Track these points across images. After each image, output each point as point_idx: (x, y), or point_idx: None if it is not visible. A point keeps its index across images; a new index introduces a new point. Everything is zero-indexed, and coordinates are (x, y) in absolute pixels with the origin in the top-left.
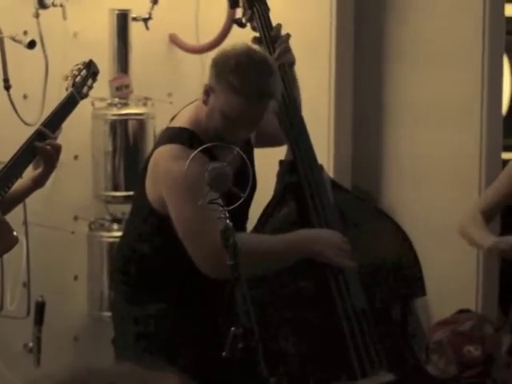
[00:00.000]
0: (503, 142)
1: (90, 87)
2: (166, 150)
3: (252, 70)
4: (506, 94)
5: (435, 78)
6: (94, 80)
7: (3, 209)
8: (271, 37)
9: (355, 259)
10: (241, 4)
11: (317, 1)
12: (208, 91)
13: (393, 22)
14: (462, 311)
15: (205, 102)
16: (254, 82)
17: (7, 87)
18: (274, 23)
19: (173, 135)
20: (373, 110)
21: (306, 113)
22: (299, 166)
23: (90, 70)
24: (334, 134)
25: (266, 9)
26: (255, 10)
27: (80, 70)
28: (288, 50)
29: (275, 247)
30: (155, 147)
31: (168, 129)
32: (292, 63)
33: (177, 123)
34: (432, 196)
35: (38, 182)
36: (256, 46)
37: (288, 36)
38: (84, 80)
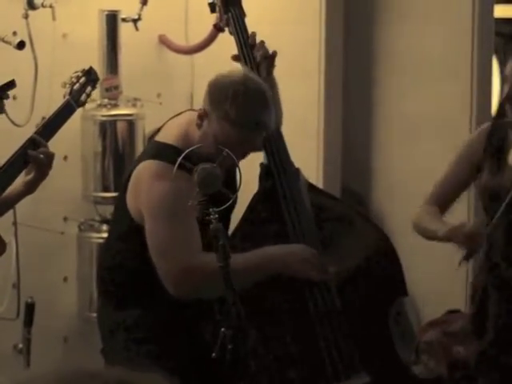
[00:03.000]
0: None
1: (89, 95)
2: (151, 166)
3: (249, 100)
4: (495, 96)
5: (425, 89)
6: (94, 87)
7: None
8: (246, 41)
9: (336, 266)
10: (217, 9)
11: (305, 16)
12: (202, 116)
13: (382, 30)
14: (451, 312)
15: (198, 126)
16: (251, 113)
17: None
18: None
19: (159, 151)
20: (362, 112)
21: (296, 115)
22: (273, 170)
23: (90, 77)
24: (324, 136)
25: (242, 13)
26: (230, 14)
27: (79, 78)
28: (268, 55)
29: (250, 265)
30: (140, 159)
31: (155, 143)
32: (271, 68)
33: (164, 137)
34: (422, 198)
35: (29, 188)
36: (252, 74)
37: (263, 42)
38: (82, 87)
